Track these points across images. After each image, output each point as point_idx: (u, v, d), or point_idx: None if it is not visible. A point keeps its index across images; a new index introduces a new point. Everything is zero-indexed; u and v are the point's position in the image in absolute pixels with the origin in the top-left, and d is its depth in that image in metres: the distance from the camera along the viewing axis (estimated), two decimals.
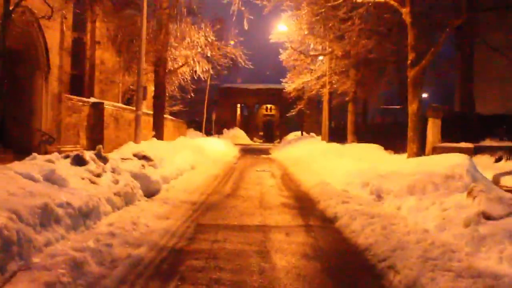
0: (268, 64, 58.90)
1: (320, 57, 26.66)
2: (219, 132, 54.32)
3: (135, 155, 11.84)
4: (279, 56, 25.65)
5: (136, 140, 15.42)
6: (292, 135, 54.06)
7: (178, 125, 36.20)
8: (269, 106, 70.48)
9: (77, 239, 5.67)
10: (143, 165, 11.16)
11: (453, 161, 11.33)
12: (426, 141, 18.96)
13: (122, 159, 11.31)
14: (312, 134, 49.89)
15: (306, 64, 26.12)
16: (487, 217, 6.45)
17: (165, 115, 30.37)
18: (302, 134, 52.03)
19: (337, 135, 29.67)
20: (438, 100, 49.23)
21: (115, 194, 7.88)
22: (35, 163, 7.29)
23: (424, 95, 39.68)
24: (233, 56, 21.31)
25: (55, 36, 15.29)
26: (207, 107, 42.67)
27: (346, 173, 12.90)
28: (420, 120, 15.09)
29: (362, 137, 24.35)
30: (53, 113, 15.39)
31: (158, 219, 7.60)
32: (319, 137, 39.34)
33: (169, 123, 31.44)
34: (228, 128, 59.71)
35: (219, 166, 18.77)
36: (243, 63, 21.51)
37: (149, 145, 15.50)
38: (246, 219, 8.18)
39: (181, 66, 20.80)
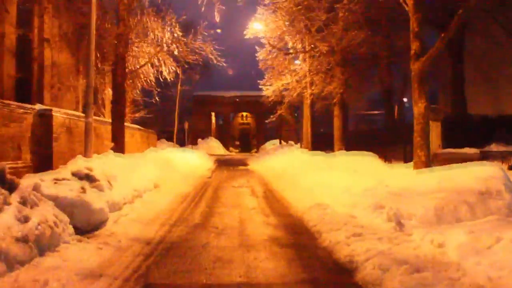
0: (245, 70, 56.58)
1: (297, 61, 24.20)
2: (193, 143, 51.54)
3: (74, 174, 9.04)
4: (256, 55, 23.02)
5: (86, 154, 12.63)
6: (270, 144, 51.62)
7: (147, 135, 33.20)
8: (245, 114, 67.95)
9: None
10: (83, 188, 8.36)
11: (484, 173, 8.92)
12: None
13: (56, 180, 8.52)
14: (291, 142, 47.50)
15: (286, 63, 23.55)
16: None
17: (132, 125, 27.56)
18: (280, 142, 49.55)
19: (318, 143, 27.26)
20: None
21: (18, 240, 5.13)
22: None
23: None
24: (203, 53, 18.60)
25: None
26: (180, 116, 39.92)
27: (347, 191, 10.33)
28: (428, 123, 12.70)
29: (347, 145, 21.95)
30: None
31: (82, 280, 4.84)
32: (298, 145, 36.94)
33: (136, 133, 28.51)
34: (202, 138, 56.89)
35: (190, 182, 16.01)
36: (214, 60, 18.76)
37: (103, 160, 12.70)
38: (221, 271, 5.46)
39: (144, 65, 18.01)
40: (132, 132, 27.08)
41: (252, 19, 21.81)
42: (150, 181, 12.86)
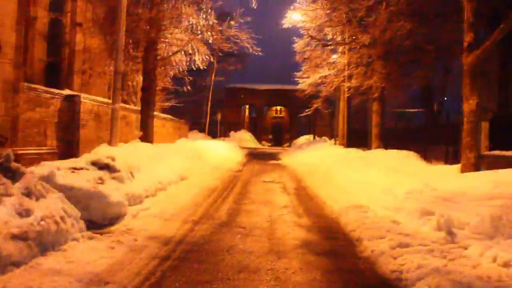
0: (281, 61, 55.50)
1: (334, 56, 23.18)
2: (225, 135, 51.03)
3: (94, 164, 8.42)
4: (293, 46, 22.12)
5: (111, 142, 12.08)
6: (303, 139, 50.67)
7: (179, 125, 32.66)
8: (278, 108, 67.04)
9: None
10: (100, 179, 7.74)
11: None
12: None
13: (73, 169, 7.92)
14: (324, 138, 46.36)
15: (324, 56, 22.59)
16: None
17: (163, 114, 27.08)
18: (314, 137, 48.50)
19: (353, 140, 26.22)
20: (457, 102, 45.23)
21: (14, 237, 4.47)
22: None
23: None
24: (238, 41, 17.80)
25: (8, 6, 11.89)
26: (213, 107, 39.32)
27: (387, 192, 9.40)
28: (478, 122, 11.65)
29: (384, 143, 20.86)
30: (6, 105, 11.99)
31: None
32: (332, 141, 35.90)
33: (167, 123, 28.01)
34: (235, 130, 56.30)
35: (218, 175, 15.32)
36: (250, 49, 17.96)
37: (129, 149, 12.16)
38: (246, 283, 4.68)
39: (176, 52, 17.29)
40: (163, 122, 26.59)
41: (291, 8, 20.88)
42: (177, 173, 12.22)
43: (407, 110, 44.50)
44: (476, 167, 11.27)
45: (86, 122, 15.90)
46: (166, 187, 10.54)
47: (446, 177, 10.44)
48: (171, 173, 11.70)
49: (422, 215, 7.29)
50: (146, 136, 15.98)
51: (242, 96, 61.60)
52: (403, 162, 14.61)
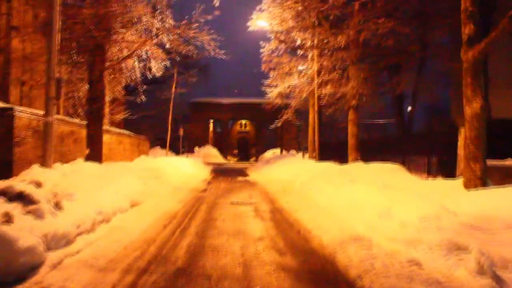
0: (246, 71, 54.15)
1: (300, 67, 21.54)
2: (190, 151, 48.85)
3: (2, 193, 6.27)
4: (261, 50, 20.36)
5: (45, 163, 9.90)
6: (270, 153, 49.01)
7: (138, 142, 30.34)
8: (244, 122, 65.39)
9: None
10: (7, 215, 5.58)
11: None
12: (457, 159, 14.38)
13: None
14: (292, 151, 44.70)
15: (292, 63, 20.88)
16: None
17: (120, 130, 24.84)
18: (281, 151, 46.78)
19: (324, 153, 24.54)
20: (423, 111, 44.18)
21: None
22: None
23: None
24: (198, 43, 15.83)
25: None
26: (176, 122, 37.24)
27: (387, 215, 7.48)
28: (484, 127, 9.92)
29: (361, 155, 19.22)
30: None
31: None
32: (300, 155, 34.42)
33: (125, 139, 25.71)
34: (199, 146, 54.18)
35: (180, 197, 13.23)
36: (212, 52, 15.96)
37: (67, 171, 9.97)
38: None
39: (128, 57, 15.11)
40: (120, 138, 24.35)
41: (257, 9, 19.05)
42: (126, 197, 10.07)
43: (376, 121, 43.41)
44: (483, 181, 9.56)
45: (22, 140, 13.64)
46: (110, 217, 8.39)
47: (455, 194, 8.64)
48: (119, 199, 9.55)
49: (449, 252, 5.40)
50: (95, 154, 13.79)
51: (207, 110, 59.76)
52: (391, 176, 12.82)
